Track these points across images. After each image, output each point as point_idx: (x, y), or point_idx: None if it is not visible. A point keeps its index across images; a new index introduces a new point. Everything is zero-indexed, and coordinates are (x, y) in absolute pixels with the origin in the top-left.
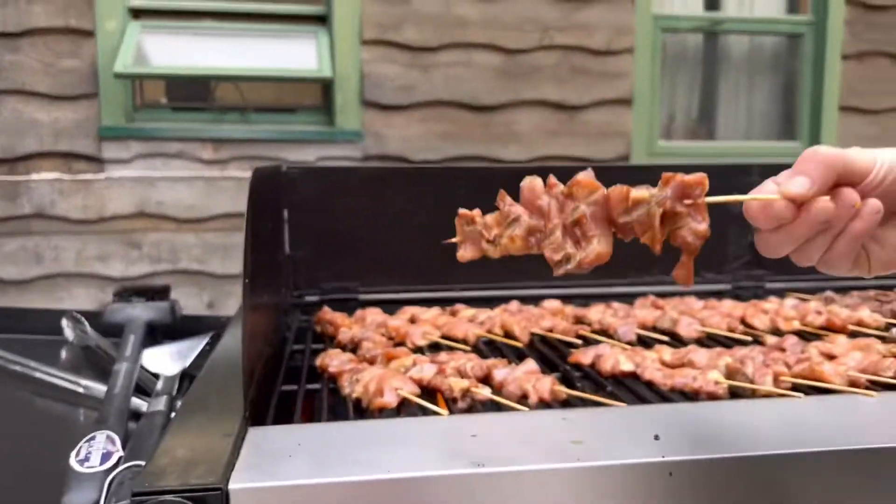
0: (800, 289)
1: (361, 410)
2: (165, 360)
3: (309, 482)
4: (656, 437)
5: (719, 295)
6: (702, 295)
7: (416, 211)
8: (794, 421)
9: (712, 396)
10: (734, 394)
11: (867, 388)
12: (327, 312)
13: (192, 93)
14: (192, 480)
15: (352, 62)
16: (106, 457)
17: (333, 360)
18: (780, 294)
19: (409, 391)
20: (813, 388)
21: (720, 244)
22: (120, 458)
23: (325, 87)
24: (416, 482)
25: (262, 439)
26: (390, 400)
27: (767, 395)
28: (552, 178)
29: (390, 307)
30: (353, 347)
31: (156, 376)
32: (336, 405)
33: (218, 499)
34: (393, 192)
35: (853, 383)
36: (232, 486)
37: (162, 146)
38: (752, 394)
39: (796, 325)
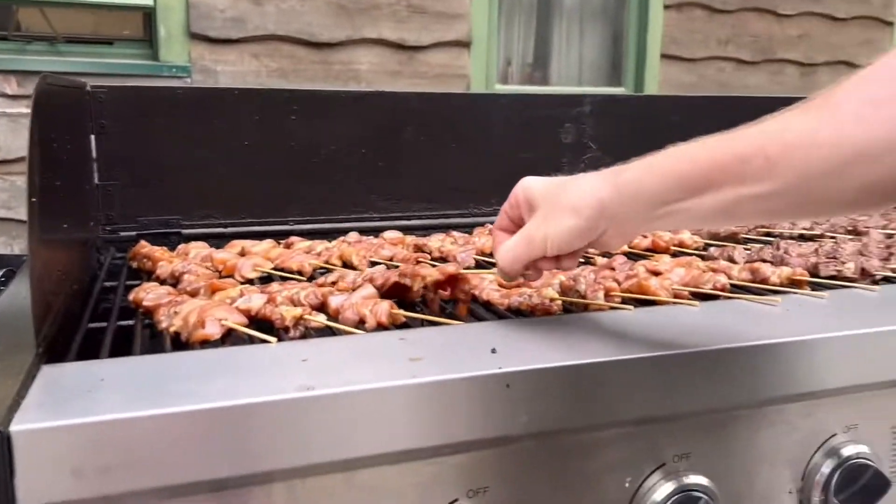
0: None
1: (181, 345)
2: None
3: (109, 418)
4: (493, 351)
5: None
6: None
7: (245, 137)
8: (623, 331)
9: (547, 312)
10: (568, 310)
11: (690, 299)
12: (144, 246)
13: None
14: None
15: None
16: None
17: (149, 294)
18: None
19: (235, 321)
20: (641, 302)
21: (554, 174)
22: None
23: (147, 17)
24: (236, 411)
25: (57, 377)
26: (213, 331)
27: (599, 309)
28: None
29: (218, 242)
30: (174, 282)
31: None
32: (152, 342)
33: None
34: (218, 116)
35: (677, 296)
36: (15, 427)
37: None
38: (585, 308)
39: (624, 247)
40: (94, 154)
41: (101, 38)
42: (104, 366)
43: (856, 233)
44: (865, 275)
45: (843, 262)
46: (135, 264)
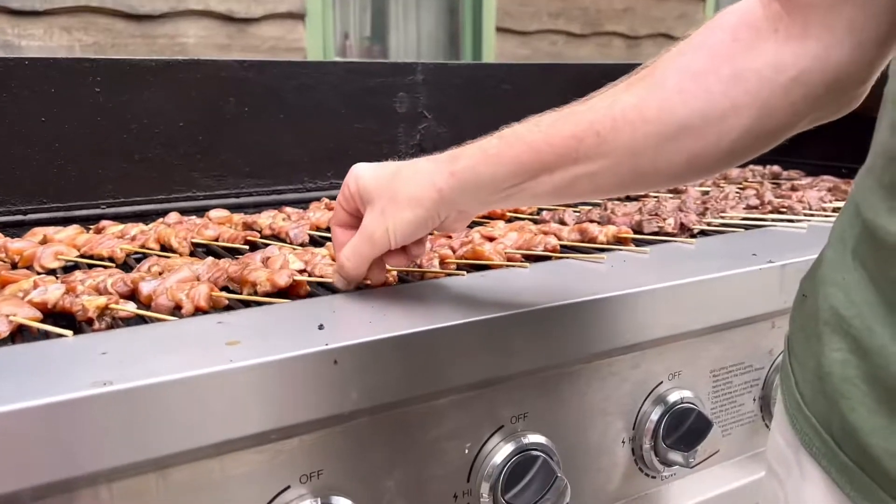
0: None
1: None
2: None
3: None
4: (321, 327)
5: None
6: None
7: (45, 113)
8: (455, 296)
9: (383, 284)
10: (404, 280)
11: (521, 262)
12: None
13: None
14: None
15: None
16: None
17: None
18: None
19: (27, 316)
20: (476, 267)
21: (390, 145)
22: None
23: None
24: (20, 417)
25: None
26: (1, 329)
27: (435, 277)
28: None
29: (17, 231)
30: None
31: None
32: None
33: None
34: (6, 90)
35: (510, 259)
36: None
37: None
38: (422, 278)
39: None
40: None
41: None
42: None
43: (675, 191)
44: (684, 229)
45: (665, 219)
46: None
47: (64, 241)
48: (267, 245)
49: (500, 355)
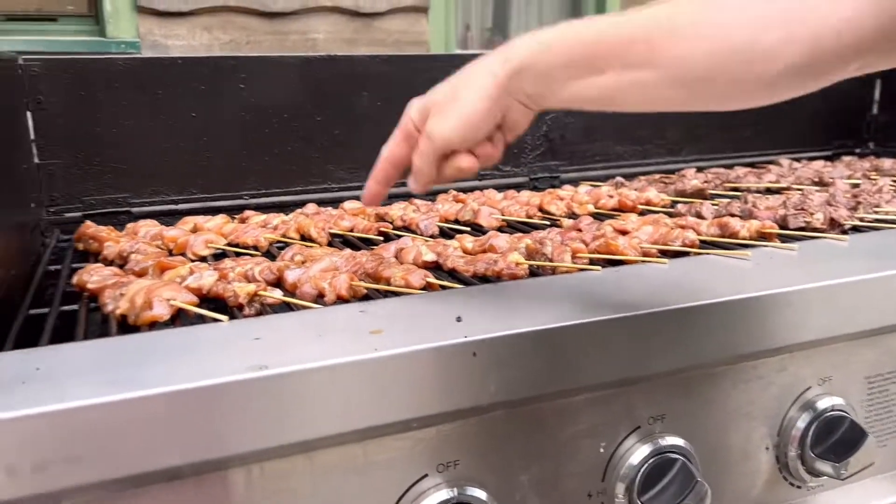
0: (592, 177)
1: (129, 328)
2: None
3: (42, 410)
4: (458, 319)
5: (518, 187)
6: (501, 188)
7: (194, 109)
8: (591, 292)
9: (514, 277)
10: (535, 273)
11: (658, 257)
12: (89, 227)
13: None
14: None
15: None
16: None
17: (93, 276)
18: (574, 183)
19: (185, 301)
20: (610, 262)
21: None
22: None
23: None
24: (185, 396)
25: None
26: (161, 312)
27: (567, 272)
28: None
29: (169, 220)
30: (122, 263)
31: None
32: (98, 326)
33: None
34: (162, 87)
35: (646, 254)
36: None
37: None
38: (553, 272)
39: (590, 208)
40: (31, 132)
41: (43, 14)
42: (41, 354)
43: (822, 184)
44: (834, 225)
45: (812, 213)
46: (81, 246)
47: (213, 229)
48: (399, 236)
49: (639, 354)
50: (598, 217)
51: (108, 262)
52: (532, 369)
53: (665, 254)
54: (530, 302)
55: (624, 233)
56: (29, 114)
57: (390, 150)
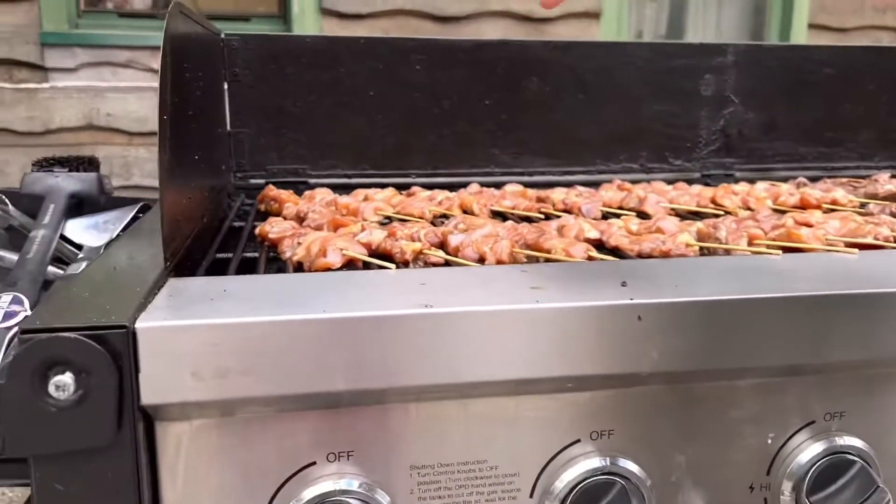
0: (771, 178)
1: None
2: (90, 230)
3: (229, 321)
4: (623, 284)
5: (688, 182)
6: (671, 182)
7: (372, 87)
8: (769, 271)
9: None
10: (704, 254)
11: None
12: (272, 189)
13: None
14: (92, 318)
15: None
16: (10, 315)
17: (274, 227)
18: (750, 182)
19: (356, 252)
20: (789, 251)
21: (689, 130)
22: (26, 317)
23: None
24: (354, 323)
25: (183, 287)
26: (334, 260)
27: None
28: None
29: (342, 192)
30: (300, 222)
31: (79, 248)
32: (276, 270)
33: (123, 338)
34: (344, 65)
35: (832, 246)
36: (140, 324)
37: (110, 54)
38: (726, 254)
39: (769, 203)
40: (226, 102)
41: (239, 14)
42: (228, 280)
43: None
44: None
45: None
46: (263, 207)
47: (382, 200)
48: (560, 216)
49: (818, 341)
50: (778, 213)
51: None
52: (698, 341)
53: (854, 247)
54: (699, 275)
55: (807, 225)
56: (226, 85)
57: None
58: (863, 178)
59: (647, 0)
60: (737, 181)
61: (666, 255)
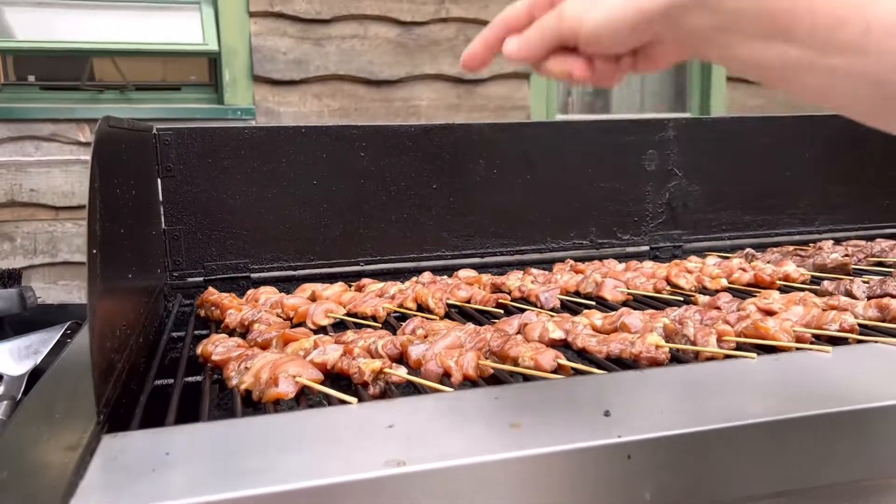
0: (717, 248)
1: (253, 404)
2: (7, 357)
3: (178, 503)
4: (607, 414)
5: (638, 256)
6: (621, 257)
7: (313, 176)
8: (752, 384)
9: (654, 362)
10: (676, 357)
11: (812, 342)
12: (212, 293)
13: (65, 70)
14: None
15: (240, 35)
16: None
17: (217, 347)
18: (699, 253)
19: (310, 377)
20: (758, 347)
21: (636, 204)
22: None
23: (213, 63)
24: (320, 493)
25: (119, 450)
26: (287, 389)
27: (713, 357)
28: None
29: (287, 286)
30: (244, 332)
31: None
32: (222, 401)
33: None
34: (285, 155)
35: (799, 339)
36: None
37: (32, 128)
38: (696, 356)
39: (724, 282)
40: (160, 198)
41: (168, 84)
42: (170, 436)
43: None
44: None
45: None
46: (202, 312)
47: (331, 298)
48: (519, 309)
49: (817, 461)
50: (734, 293)
51: (231, 331)
52: (695, 475)
53: (818, 338)
54: (684, 395)
55: (770, 313)
56: (159, 181)
57: (510, 13)
58: (806, 243)
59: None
60: (685, 253)
61: (636, 358)
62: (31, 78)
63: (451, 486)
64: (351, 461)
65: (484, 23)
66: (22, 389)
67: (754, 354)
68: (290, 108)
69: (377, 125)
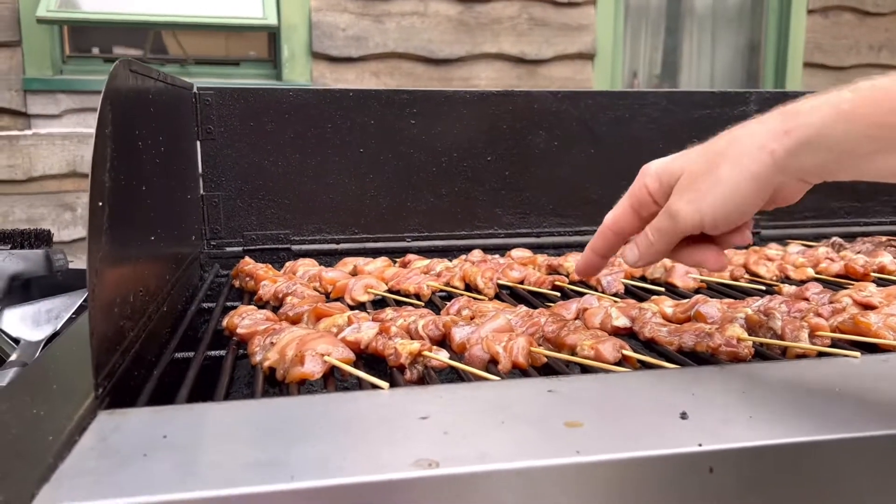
0: (798, 236)
1: (276, 384)
2: (29, 321)
3: (160, 499)
4: (683, 416)
5: None
6: None
7: (360, 144)
8: (857, 389)
9: (734, 357)
10: (761, 354)
11: None
12: (248, 263)
13: (127, 42)
14: None
15: (299, 10)
16: None
17: (244, 319)
18: (779, 241)
19: (340, 357)
20: (855, 345)
21: None
22: None
23: (272, 38)
24: (335, 494)
25: (112, 429)
26: (313, 369)
27: (804, 355)
28: None
29: (329, 259)
30: (277, 305)
31: (17, 342)
32: (244, 378)
33: None
34: (331, 121)
35: None
36: None
37: (94, 100)
38: (784, 353)
39: (810, 272)
40: (199, 163)
41: (228, 59)
42: (172, 416)
43: None
44: None
45: None
46: (237, 283)
47: (373, 273)
48: (577, 293)
49: None
50: (823, 285)
51: (264, 303)
52: (790, 497)
53: None
54: (773, 396)
55: (870, 307)
56: (198, 144)
57: (616, 217)
58: None
59: (642, 41)
60: (762, 240)
61: (714, 352)
62: (95, 50)
63: (491, 495)
64: (374, 458)
65: (549, 1)
66: (36, 356)
67: (858, 353)
68: (347, 85)
69: (429, 90)
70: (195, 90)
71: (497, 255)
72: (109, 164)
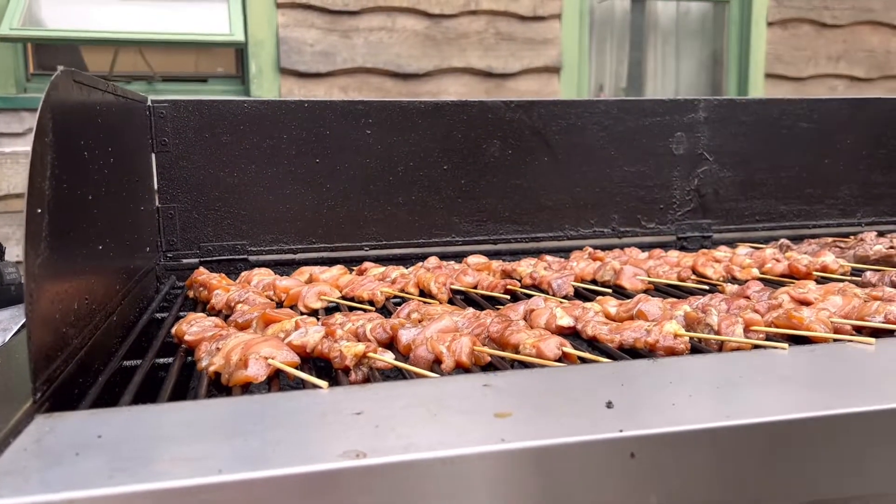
0: (749, 239)
1: (222, 388)
2: None
3: (86, 494)
4: (609, 405)
5: (663, 247)
6: (645, 247)
7: (317, 154)
8: (785, 378)
9: (671, 352)
10: (697, 349)
11: (853, 335)
12: (201, 273)
13: (93, 60)
14: None
15: (267, 26)
16: None
17: (192, 327)
18: (729, 244)
19: (285, 360)
20: (790, 338)
21: (662, 191)
22: None
23: (240, 54)
24: (259, 486)
25: (47, 431)
26: (256, 372)
27: (739, 349)
28: None
29: (286, 269)
30: (229, 313)
31: None
32: (188, 383)
33: None
34: (287, 131)
35: (838, 331)
36: None
37: None
38: (720, 347)
39: (755, 272)
40: (154, 174)
41: (196, 76)
42: (109, 417)
43: None
44: None
45: None
46: (192, 293)
47: (328, 281)
48: (528, 296)
49: (857, 467)
50: (766, 284)
51: (216, 312)
52: (709, 479)
53: (859, 331)
54: (703, 388)
55: (805, 303)
56: (153, 156)
57: None
58: (846, 236)
59: (607, 55)
60: (714, 243)
61: (652, 347)
62: (59, 68)
63: (418, 483)
64: (302, 451)
65: (515, 15)
66: None
67: (786, 345)
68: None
69: (385, 100)
70: (149, 103)
71: (453, 262)
72: (50, 173)
